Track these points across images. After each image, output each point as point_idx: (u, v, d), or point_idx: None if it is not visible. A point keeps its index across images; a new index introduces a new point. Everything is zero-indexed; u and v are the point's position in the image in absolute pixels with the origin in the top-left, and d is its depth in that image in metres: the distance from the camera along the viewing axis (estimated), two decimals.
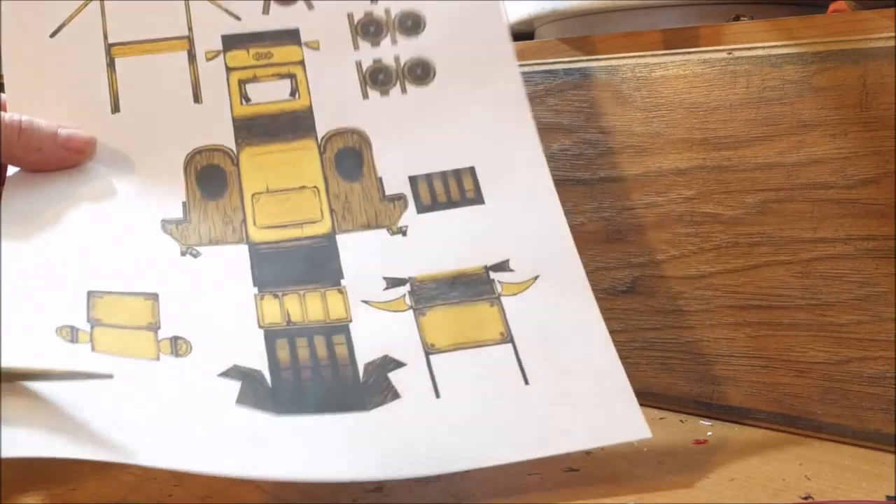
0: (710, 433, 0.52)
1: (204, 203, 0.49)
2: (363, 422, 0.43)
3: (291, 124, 0.51)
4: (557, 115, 0.60)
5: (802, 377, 0.51)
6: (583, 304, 0.47)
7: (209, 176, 0.50)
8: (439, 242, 0.49)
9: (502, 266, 0.48)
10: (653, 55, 0.56)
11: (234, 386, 0.43)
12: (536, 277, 0.48)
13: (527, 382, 0.45)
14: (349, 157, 0.51)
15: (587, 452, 0.49)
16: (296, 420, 0.42)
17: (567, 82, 0.59)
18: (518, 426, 0.44)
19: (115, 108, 0.51)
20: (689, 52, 0.55)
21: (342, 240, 0.49)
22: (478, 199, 0.50)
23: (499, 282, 0.48)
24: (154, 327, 0.44)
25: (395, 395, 0.44)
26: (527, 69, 0.61)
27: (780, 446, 0.50)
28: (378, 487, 0.44)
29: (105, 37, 0.52)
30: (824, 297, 0.50)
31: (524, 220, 0.50)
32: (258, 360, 0.44)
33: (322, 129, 0.51)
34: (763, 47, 0.52)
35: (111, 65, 0.51)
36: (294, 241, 0.48)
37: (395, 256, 0.48)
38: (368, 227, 0.49)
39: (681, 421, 0.55)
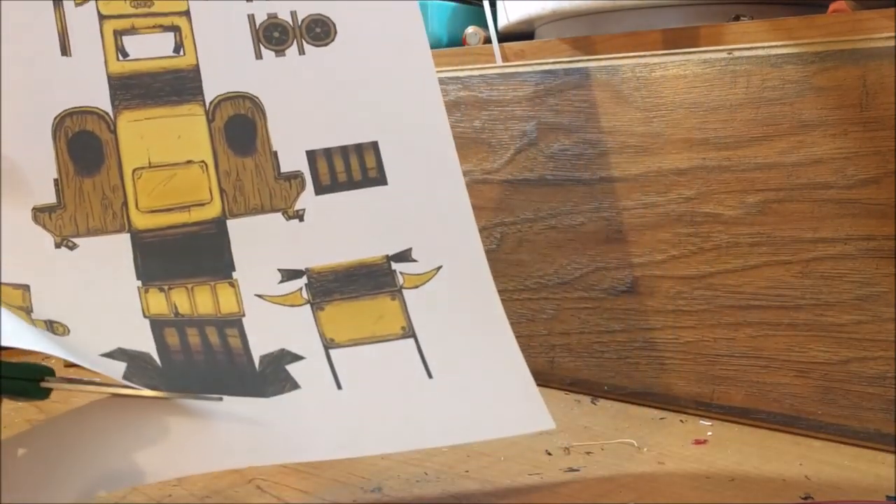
0: (710, 433, 0.52)
1: (79, 180, 0.44)
2: (263, 407, 0.40)
3: (175, 85, 0.46)
4: (557, 115, 0.60)
5: (802, 377, 0.51)
6: (484, 297, 0.46)
7: (83, 146, 0.44)
8: (339, 229, 0.46)
9: (404, 256, 0.46)
10: (653, 55, 0.56)
11: (119, 365, 0.39)
12: (439, 268, 0.46)
13: (430, 376, 0.44)
14: (241, 126, 0.46)
15: (587, 452, 0.49)
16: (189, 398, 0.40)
17: (567, 82, 0.59)
18: (422, 417, 0.42)
19: None
20: (689, 52, 0.55)
21: (233, 226, 0.45)
22: (380, 179, 0.47)
23: (400, 273, 0.45)
24: (27, 309, 0.40)
25: (295, 386, 0.42)
26: (527, 69, 0.61)
27: (780, 446, 0.50)
28: (378, 488, 0.44)
29: None
30: (824, 297, 0.50)
31: (427, 204, 0.47)
32: (145, 344, 0.41)
33: (210, 92, 0.46)
34: (763, 47, 0.52)
35: None
36: (181, 227, 0.44)
37: (291, 245, 0.45)
38: (262, 209, 0.45)
39: (681, 421, 0.55)
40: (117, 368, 0.39)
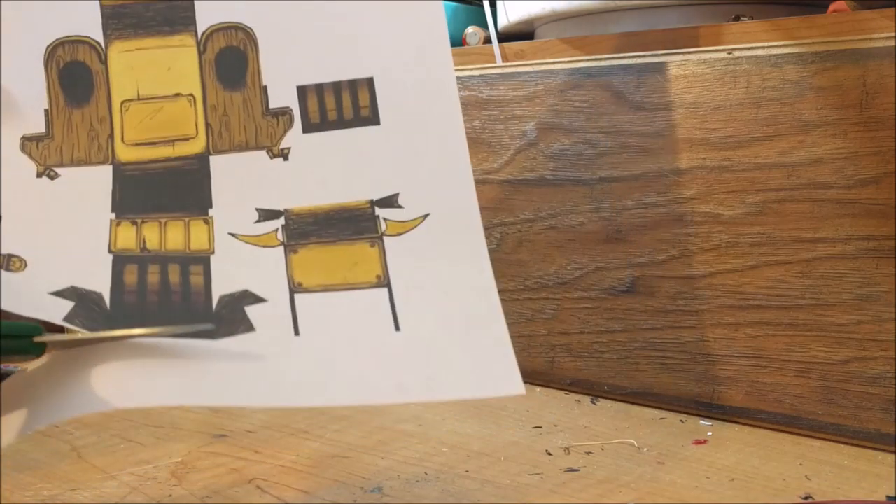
0: (710, 433, 0.52)
1: (68, 111, 0.44)
2: (209, 348, 0.39)
3: (168, 14, 0.45)
4: (557, 115, 0.60)
5: (802, 377, 0.51)
6: (471, 251, 0.43)
7: (74, 77, 0.44)
8: (324, 170, 0.44)
9: (390, 201, 0.43)
10: (653, 55, 0.56)
11: (66, 305, 0.39)
12: (426, 216, 0.43)
13: (398, 329, 0.41)
14: (232, 59, 0.45)
15: (587, 452, 0.49)
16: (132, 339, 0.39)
17: (567, 82, 0.59)
18: (380, 370, 0.40)
19: None
20: (689, 52, 0.55)
21: (216, 162, 0.44)
22: (372, 119, 0.44)
23: (384, 219, 0.43)
24: None
25: (249, 328, 0.40)
26: (527, 69, 0.61)
27: (780, 446, 0.50)
28: (378, 488, 0.44)
29: None
30: (824, 297, 0.50)
31: (421, 147, 0.44)
32: (100, 284, 0.40)
33: (203, 22, 0.45)
34: (763, 47, 0.52)
35: None
36: (163, 161, 0.44)
37: (273, 184, 0.44)
38: (246, 146, 0.44)
39: (681, 421, 0.55)
40: (62, 309, 0.39)
